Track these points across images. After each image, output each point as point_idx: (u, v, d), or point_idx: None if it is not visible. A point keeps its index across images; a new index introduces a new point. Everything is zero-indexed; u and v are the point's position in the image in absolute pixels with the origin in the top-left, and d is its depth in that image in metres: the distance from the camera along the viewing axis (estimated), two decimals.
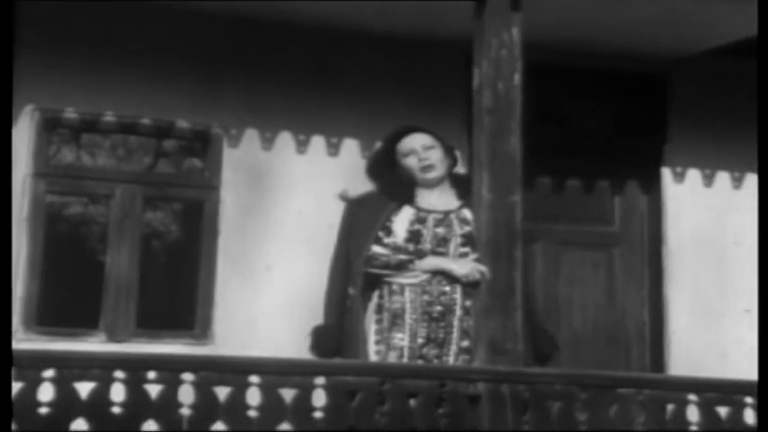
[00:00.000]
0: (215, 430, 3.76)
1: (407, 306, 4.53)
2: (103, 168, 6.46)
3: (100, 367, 3.73)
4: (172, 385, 3.76)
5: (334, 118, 6.36)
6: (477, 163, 4.54)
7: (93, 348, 5.59)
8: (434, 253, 4.57)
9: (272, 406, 3.81)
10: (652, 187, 6.98)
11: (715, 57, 6.61)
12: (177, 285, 6.71)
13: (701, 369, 6.31)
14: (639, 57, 6.68)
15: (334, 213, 4.83)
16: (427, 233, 4.62)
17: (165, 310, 6.36)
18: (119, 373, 3.72)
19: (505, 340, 4.33)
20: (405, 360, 4.47)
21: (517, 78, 4.56)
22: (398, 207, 4.67)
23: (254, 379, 3.83)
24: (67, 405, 3.65)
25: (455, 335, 4.51)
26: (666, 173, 6.94)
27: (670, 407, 4.17)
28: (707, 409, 4.19)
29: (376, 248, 4.57)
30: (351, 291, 4.60)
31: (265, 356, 4.20)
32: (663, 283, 6.84)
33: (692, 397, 4.21)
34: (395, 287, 4.56)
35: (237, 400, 3.79)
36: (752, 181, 6.92)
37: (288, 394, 3.85)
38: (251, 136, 6.27)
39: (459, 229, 4.63)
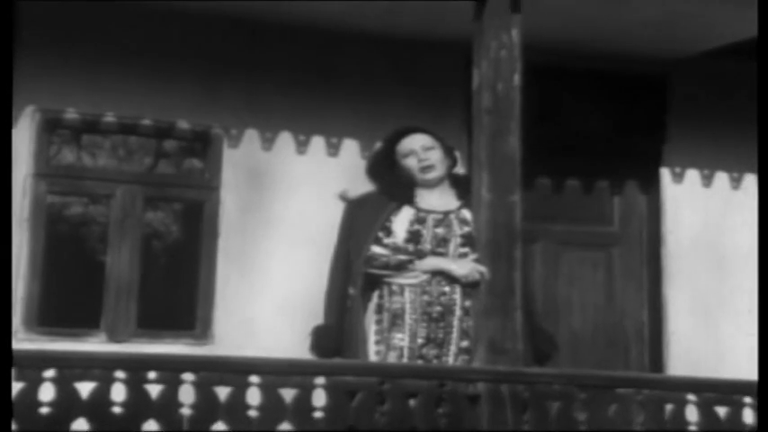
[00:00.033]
0: (215, 430, 3.76)
1: (407, 306, 4.54)
2: (104, 169, 6.48)
3: (100, 367, 3.73)
4: (172, 385, 3.76)
5: (334, 118, 6.36)
6: (477, 163, 4.55)
7: (94, 348, 5.59)
8: (434, 253, 4.58)
9: (272, 406, 3.82)
10: (651, 187, 6.99)
11: (714, 58, 6.61)
12: (177, 285, 6.71)
13: (699, 369, 6.32)
14: (639, 58, 6.68)
15: (334, 214, 4.82)
16: (427, 233, 4.62)
17: (166, 311, 6.36)
18: (119, 373, 3.72)
19: (505, 340, 4.34)
20: (404, 360, 4.47)
21: (517, 79, 4.57)
22: (398, 207, 4.67)
23: (254, 379, 3.83)
24: (68, 405, 3.65)
25: (455, 335, 4.51)
26: (665, 173, 6.94)
27: (669, 407, 4.18)
28: (706, 409, 4.19)
29: (376, 249, 4.57)
30: (351, 291, 4.61)
31: (265, 356, 4.18)
32: (662, 283, 6.84)
33: (691, 397, 4.21)
34: (395, 287, 4.56)
35: (238, 400, 3.79)
36: (750, 181, 6.93)
37: (288, 394, 3.85)
38: (251, 136, 6.27)
39: (458, 230, 4.63)
